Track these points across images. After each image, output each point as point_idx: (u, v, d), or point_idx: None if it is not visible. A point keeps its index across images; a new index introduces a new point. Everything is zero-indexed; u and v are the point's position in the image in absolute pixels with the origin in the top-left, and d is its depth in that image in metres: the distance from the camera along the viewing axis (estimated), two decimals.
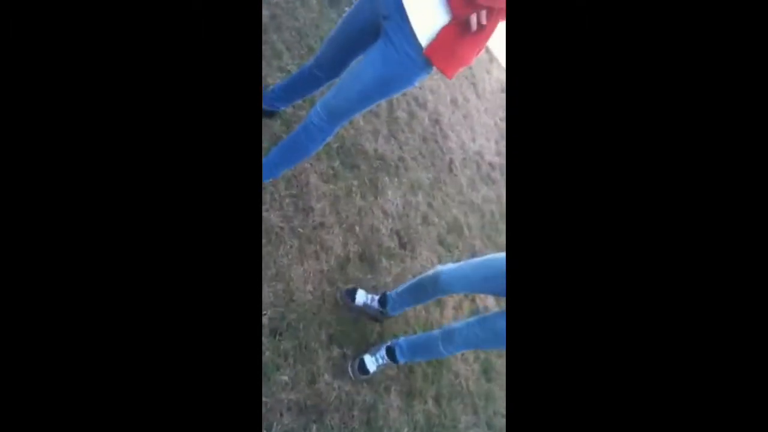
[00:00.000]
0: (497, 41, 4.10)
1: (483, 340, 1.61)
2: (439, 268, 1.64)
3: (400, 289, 1.86)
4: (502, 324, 1.47)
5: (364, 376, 1.68)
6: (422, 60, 1.32)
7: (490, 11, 1.26)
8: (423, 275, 1.74)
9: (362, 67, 1.42)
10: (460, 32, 1.29)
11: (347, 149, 2.26)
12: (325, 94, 1.54)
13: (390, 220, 2.38)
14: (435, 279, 1.62)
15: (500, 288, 1.43)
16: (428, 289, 1.67)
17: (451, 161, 3.15)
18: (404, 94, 2.86)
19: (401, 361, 1.74)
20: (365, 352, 1.73)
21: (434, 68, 1.36)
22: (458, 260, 2.84)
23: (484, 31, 1.31)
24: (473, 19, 1.24)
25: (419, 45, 1.30)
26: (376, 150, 2.48)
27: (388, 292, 1.87)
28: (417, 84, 1.46)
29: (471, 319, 1.63)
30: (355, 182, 2.22)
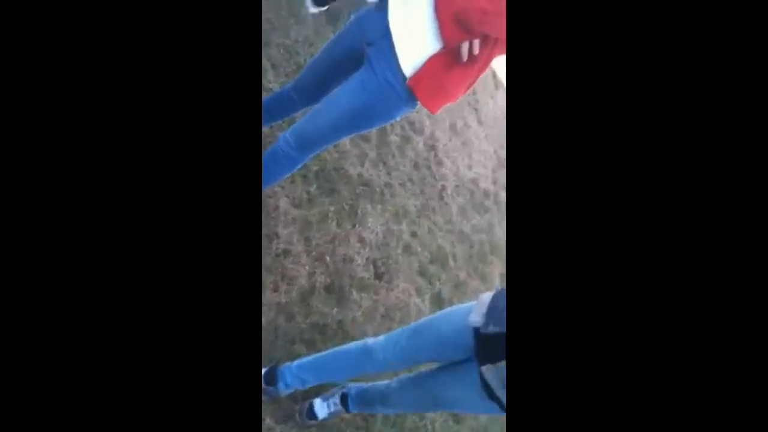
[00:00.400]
0: (503, 66, 4.01)
1: (420, 405, 1.45)
2: (367, 339, 1.43)
3: (304, 360, 1.51)
4: (439, 385, 1.29)
5: (312, 422, 1.58)
6: (404, 91, 1.24)
7: (485, 41, 1.18)
8: (345, 346, 1.48)
9: (339, 94, 1.34)
10: (449, 63, 1.19)
11: (327, 173, 2.18)
12: (298, 120, 1.46)
13: (367, 249, 2.29)
14: (364, 350, 1.39)
15: (447, 353, 1.28)
16: (353, 363, 1.40)
17: (443, 188, 3.06)
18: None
19: (353, 410, 1.63)
20: (317, 395, 1.64)
21: (418, 104, 1.28)
22: (439, 292, 2.75)
23: (475, 63, 1.22)
24: (464, 47, 1.16)
25: (403, 74, 1.21)
26: (360, 174, 2.39)
27: (280, 366, 1.52)
28: (399, 118, 1.38)
29: (404, 376, 1.42)
30: (332, 208, 2.13)
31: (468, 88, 1.32)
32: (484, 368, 1.11)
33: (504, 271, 3.30)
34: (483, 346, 1.13)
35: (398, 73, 1.21)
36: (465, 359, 1.23)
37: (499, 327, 1.09)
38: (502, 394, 1.12)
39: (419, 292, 2.56)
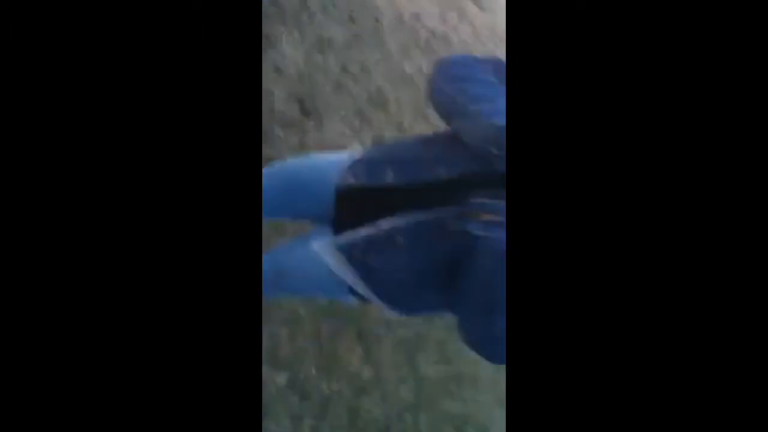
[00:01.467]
0: None
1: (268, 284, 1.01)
2: None
3: None
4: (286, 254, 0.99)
5: None
6: None
7: None
8: None
9: None
10: None
11: None
12: None
13: (287, 82, 1.95)
14: None
15: (305, 206, 0.97)
16: None
17: (377, 20, 2.67)
18: None
19: None
20: None
21: None
22: (380, 135, 2.47)
23: None
24: None
25: None
26: None
27: None
28: None
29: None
30: None
31: None
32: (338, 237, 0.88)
33: None
34: (339, 206, 0.90)
35: None
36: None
37: (361, 180, 0.88)
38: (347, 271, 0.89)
39: (357, 134, 2.27)
